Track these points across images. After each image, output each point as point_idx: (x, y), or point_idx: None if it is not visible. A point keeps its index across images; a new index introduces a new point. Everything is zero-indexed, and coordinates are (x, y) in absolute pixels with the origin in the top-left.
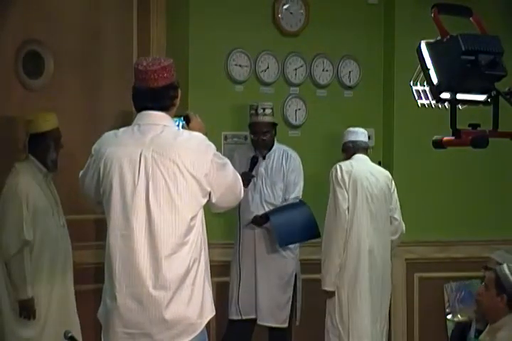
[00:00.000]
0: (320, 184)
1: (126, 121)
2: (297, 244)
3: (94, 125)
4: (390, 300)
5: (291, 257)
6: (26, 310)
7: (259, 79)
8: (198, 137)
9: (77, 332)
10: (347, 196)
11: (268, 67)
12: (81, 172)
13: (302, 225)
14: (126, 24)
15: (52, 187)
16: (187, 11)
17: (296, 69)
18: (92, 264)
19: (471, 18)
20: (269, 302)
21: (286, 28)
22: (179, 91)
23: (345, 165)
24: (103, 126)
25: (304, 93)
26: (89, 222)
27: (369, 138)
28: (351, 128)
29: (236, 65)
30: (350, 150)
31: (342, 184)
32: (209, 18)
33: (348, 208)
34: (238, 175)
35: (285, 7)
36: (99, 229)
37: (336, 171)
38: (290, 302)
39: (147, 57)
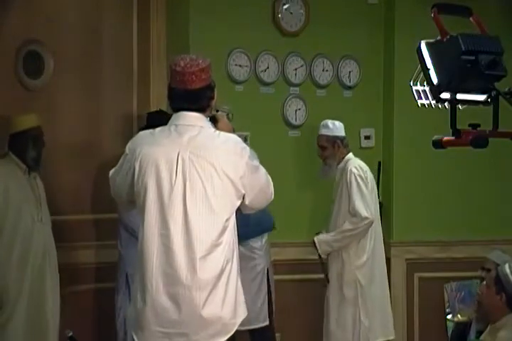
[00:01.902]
0: (320, 184)
1: (126, 120)
2: (264, 241)
3: (94, 125)
4: (390, 300)
5: (259, 255)
6: None
7: (259, 79)
8: (234, 139)
9: (47, 328)
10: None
11: (268, 67)
12: (112, 170)
13: (257, 219)
14: (126, 24)
15: (36, 184)
16: (187, 10)
17: (296, 69)
18: (92, 264)
19: (471, 18)
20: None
21: (286, 28)
22: (215, 92)
23: (362, 166)
24: (103, 126)
25: (304, 93)
26: (89, 222)
27: (369, 138)
28: (339, 122)
29: (236, 65)
30: (345, 147)
31: (369, 186)
32: (209, 17)
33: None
34: (269, 177)
35: (285, 7)
36: (99, 230)
37: (359, 171)
38: (267, 298)
39: (184, 57)
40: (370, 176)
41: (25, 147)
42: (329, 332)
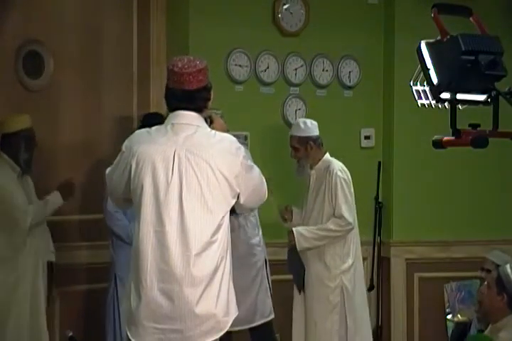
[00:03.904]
0: None
1: (126, 121)
2: (261, 236)
3: (94, 125)
4: (390, 299)
5: (258, 251)
6: None
7: (259, 79)
8: (229, 139)
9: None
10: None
11: (268, 67)
12: (108, 169)
13: None
14: (126, 24)
15: (28, 186)
16: (187, 10)
17: (296, 69)
18: (87, 265)
19: (471, 18)
20: (250, 303)
21: (286, 28)
22: (212, 93)
23: (345, 168)
24: (103, 126)
25: (304, 93)
26: (87, 222)
27: (369, 138)
28: (312, 121)
29: (236, 65)
30: (320, 147)
31: (351, 190)
32: (209, 17)
33: None
34: (263, 177)
35: (285, 7)
36: (96, 229)
37: (343, 175)
38: (269, 291)
39: (182, 58)
40: (350, 179)
41: (18, 148)
42: (317, 339)
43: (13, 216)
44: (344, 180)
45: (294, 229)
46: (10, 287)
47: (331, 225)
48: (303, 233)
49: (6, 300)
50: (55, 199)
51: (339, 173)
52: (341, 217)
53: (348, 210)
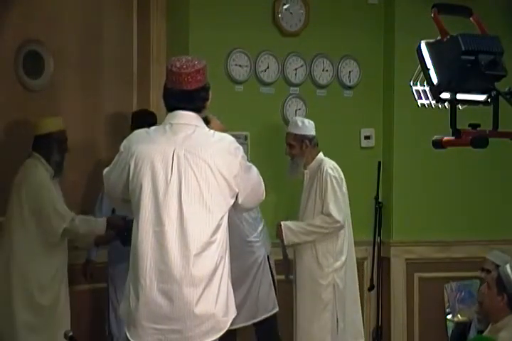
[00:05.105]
0: None
1: (125, 120)
2: (260, 230)
3: (94, 125)
4: (390, 299)
5: (258, 247)
6: None
7: (259, 79)
8: (228, 139)
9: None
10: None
11: (268, 67)
12: (106, 169)
13: None
14: (126, 24)
15: (57, 189)
16: (187, 10)
17: (296, 69)
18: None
19: (471, 18)
20: (253, 300)
21: (286, 28)
22: (210, 93)
23: (337, 167)
24: (103, 126)
25: (304, 93)
26: None
27: (369, 138)
28: (309, 121)
29: (236, 65)
30: (314, 147)
31: (342, 189)
32: (209, 18)
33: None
34: (261, 177)
35: (285, 7)
36: None
37: (334, 173)
38: (273, 285)
39: (180, 58)
40: (343, 177)
41: (50, 150)
42: (311, 337)
43: (50, 220)
44: (335, 177)
45: (282, 222)
46: (47, 282)
47: (317, 221)
48: (290, 227)
49: (50, 302)
50: (99, 223)
51: (330, 171)
52: (329, 214)
53: (336, 208)
